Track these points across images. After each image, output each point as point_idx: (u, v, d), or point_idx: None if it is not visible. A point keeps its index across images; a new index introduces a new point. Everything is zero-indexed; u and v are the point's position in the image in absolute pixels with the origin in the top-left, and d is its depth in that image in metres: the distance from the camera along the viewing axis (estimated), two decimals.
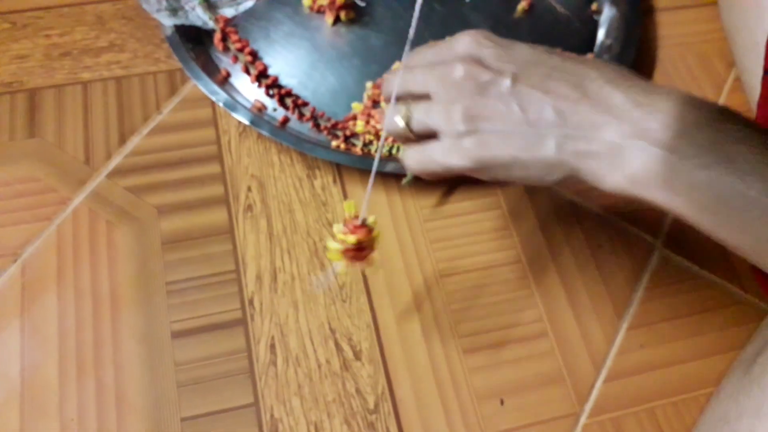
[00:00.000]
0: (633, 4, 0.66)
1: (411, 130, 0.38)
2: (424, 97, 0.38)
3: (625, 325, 0.52)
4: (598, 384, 0.49)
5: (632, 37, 0.63)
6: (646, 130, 0.31)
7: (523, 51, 0.37)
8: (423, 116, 0.38)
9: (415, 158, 0.39)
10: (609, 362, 0.50)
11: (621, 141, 0.32)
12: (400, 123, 0.39)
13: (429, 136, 0.38)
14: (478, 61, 0.36)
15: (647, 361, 0.51)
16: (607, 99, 0.33)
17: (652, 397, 0.49)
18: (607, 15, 0.64)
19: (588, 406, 0.49)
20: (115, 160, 0.56)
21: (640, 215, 0.56)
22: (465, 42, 0.37)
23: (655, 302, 0.53)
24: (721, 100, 0.63)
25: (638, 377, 0.50)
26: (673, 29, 0.68)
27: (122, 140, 0.57)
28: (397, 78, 0.39)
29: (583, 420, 0.48)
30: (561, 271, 0.53)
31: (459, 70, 0.36)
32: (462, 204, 0.56)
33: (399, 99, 0.39)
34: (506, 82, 0.35)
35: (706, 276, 0.54)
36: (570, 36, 0.64)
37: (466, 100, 0.36)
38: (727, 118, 0.31)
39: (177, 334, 0.49)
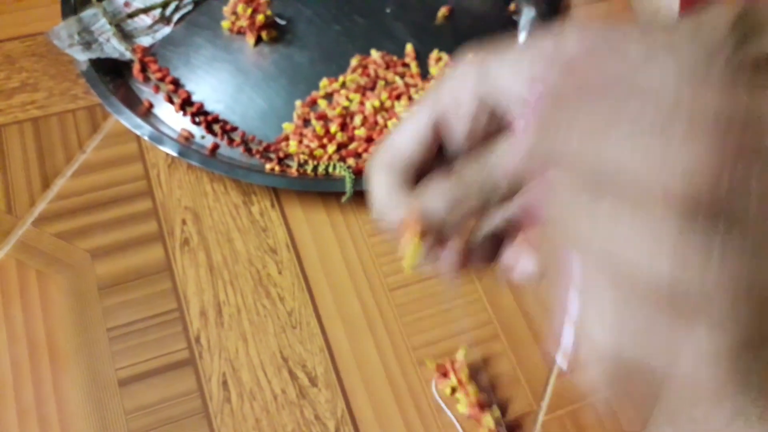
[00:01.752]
0: (550, 2, 0.67)
1: None
2: None
3: None
4: (552, 379, 0.50)
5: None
6: None
7: None
8: None
9: None
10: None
11: None
12: None
13: None
14: None
15: None
16: None
17: None
18: (526, 16, 0.65)
19: (544, 403, 0.49)
20: (40, 206, 0.54)
21: None
22: None
23: None
24: None
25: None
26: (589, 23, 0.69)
27: (46, 184, 0.55)
28: None
29: (541, 417, 0.49)
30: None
31: None
32: None
33: None
34: None
35: None
36: (491, 39, 0.65)
37: None
38: None
39: (124, 382, 0.48)
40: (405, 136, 0.27)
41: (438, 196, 0.25)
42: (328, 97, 0.59)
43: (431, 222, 0.25)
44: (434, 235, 0.25)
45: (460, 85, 0.27)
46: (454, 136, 0.27)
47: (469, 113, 0.27)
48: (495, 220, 0.27)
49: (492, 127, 0.27)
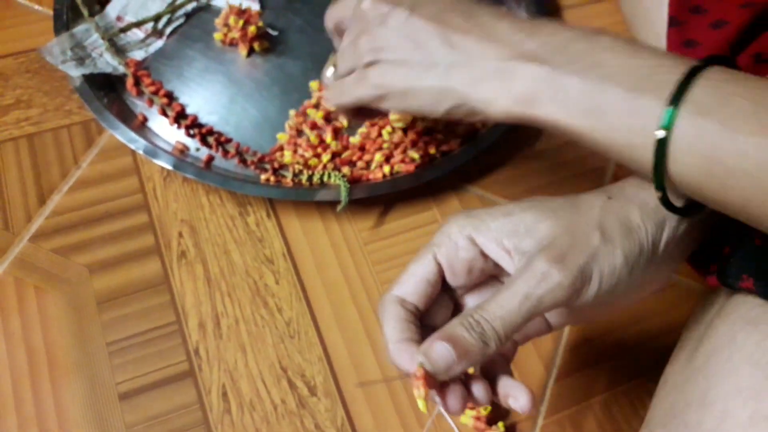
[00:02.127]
0: (539, 4, 0.67)
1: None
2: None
3: None
4: (551, 383, 0.51)
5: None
6: (525, 51, 0.33)
7: None
8: (340, 59, 0.42)
9: (330, 94, 0.43)
10: (558, 360, 0.51)
11: (504, 64, 0.34)
12: (328, 73, 0.46)
13: None
14: None
15: (594, 353, 0.52)
16: (493, 28, 0.35)
17: (604, 389, 0.51)
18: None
19: (543, 408, 0.50)
20: (37, 222, 0.54)
21: None
22: None
23: None
24: None
25: (588, 371, 0.51)
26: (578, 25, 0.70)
27: (42, 200, 0.55)
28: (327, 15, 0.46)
29: (540, 421, 0.49)
30: None
31: (366, 3, 0.40)
32: (399, 222, 0.56)
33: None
34: (403, 14, 0.38)
35: None
36: None
37: (369, 34, 0.39)
38: (601, 33, 0.33)
39: (124, 396, 0.48)
40: (410, 280, 0.33)
41: (441, 359, 0.29)
42: (318, 106, 0.60)
43: (436, 375, 0.29)
44: (439, 383, 0.30)
45: (456, 235, 0.33)
46: (454, 274, 0.33)
47: (465, 258, 0.33)
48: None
49: (489, 269, 0.34)
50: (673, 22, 0.47)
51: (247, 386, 0.48)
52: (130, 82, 0.59)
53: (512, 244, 0.32)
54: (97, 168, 0.57)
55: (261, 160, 0.57)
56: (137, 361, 0.49)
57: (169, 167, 0.53)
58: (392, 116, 0.58)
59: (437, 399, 0.30)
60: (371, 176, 0.57)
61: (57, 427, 0.46)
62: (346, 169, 0.56)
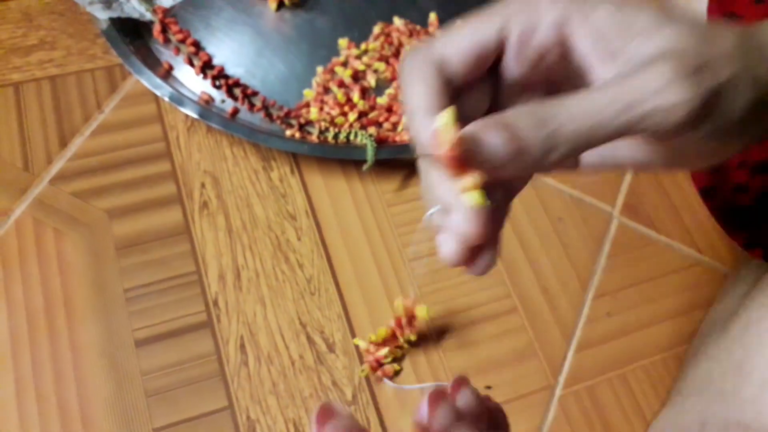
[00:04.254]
0: None
1: None
2: None
3: (590, 295, 0.53)
4: (570, 355, 0.50)
5: None
6: None
7: None
8: None
9: None
10: (578, 332, 0.51)
11: None
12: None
13: None
14: None
15: (614, 328, 0.52)
16: None
17: (623, 363, 0.50)
18: None
19: (562, 378, 0.49)
20: (57, 165, 0.53)
21: (596, 186, 0.57)
22: None
23: (617, 270, 0.54)
24: None
25: (607, 345, 0.51)
26: None
27: (63, 143, 0.54)
28: None
29: (558, 392, 0.49)
30: (524, 246, 0.54)
31: None
32: None
33: None
34: None
35: (664, 240, 0.55)
36: None
37: None
38: None
39: (141, 342, 0.47)
40: (463, 39, 0.23)
41: (491, 147, 0.21)
42: (346, 64, 0.59)
43: (488, 163, 0.21)
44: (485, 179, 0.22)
45: (544, 10, 0.23)
46: (518, 58, 0.24)
47: (543, 42, 0.24)
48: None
49: (559, 72, 0.25)
50: None
51: (266, 339, 0.48)
52: (157, 28, 0.58)
53: (620, 45, 0.23)
54: (120, 114, 0.56)
55: (287, 115, 0.56)
56: (155, 309, 0.49)
57: (195, 116, 0.53)
58: None
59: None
60: (397, 138, 0.56)
61: (72, 369, 0.46)
62: (372, 130, 0.55)
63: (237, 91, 0.56)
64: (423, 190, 0.24)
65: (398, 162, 0.56)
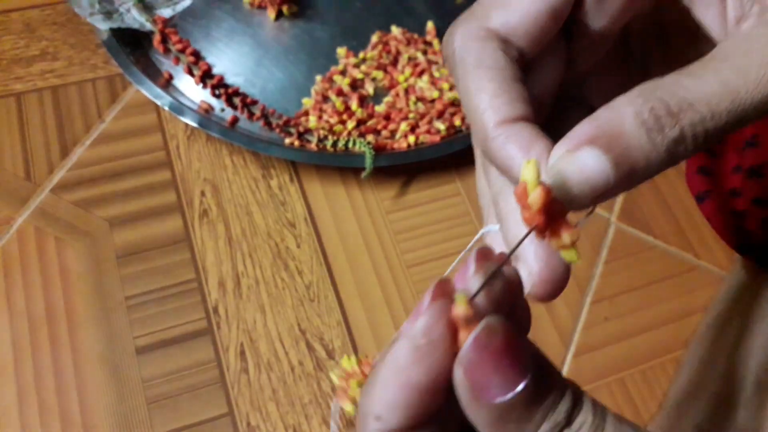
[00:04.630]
0: None
1: None
2: None
3: (588, 300, 0.53)
4: (568, 359, 0.50)
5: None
6: None
7: None
8: None
9: None
10: (576, 337, 0.51)
11: None
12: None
13: None
14: None
15: (612, 333, 0.52)
16: None
17: (621, 368, 0.50)
18: None
19: None
20: (59, 174, 0.54)
21: None
22: None
23: (615, 275, 0.54)
24: None
25: (605, 349, 0.51)
26: None
27: (65, 152, 0.55)
28: None
29: None
30: None
31: None
32: (422, 193, 0.56)
33: None
34: None
35: (661, 246, 0.56)
36: None
37: None
38: None
39: (141, 350, 0.48)
40: (522, 10, 0.18)
41: (587, 174, 0.16)
42: (345, 73, 0.59)
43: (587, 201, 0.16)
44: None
45: None
46: (597, 9, 0.18)
47: None
48: None
49: (651, 18, 0.19)
50: None
51: (265, 346, 0.48)
52: (157, 38, 0.58)
53: None
54: (120, 123, 0.57)
55: (286, 123, 0.56)
56: (155, 317, 0.49)
57: (195, 125, 0.53)
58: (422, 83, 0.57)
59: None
60: (395, 145, 0.56)
61: (73, 377, 0.46)
62: (370, 137, 0.56)
63: (236, 100, 0.57)
64: (480, 194, 0.19)
65: (396, 169, 0.56)
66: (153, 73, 0.57)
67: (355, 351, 0.49)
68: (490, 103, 0.17)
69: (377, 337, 0.49)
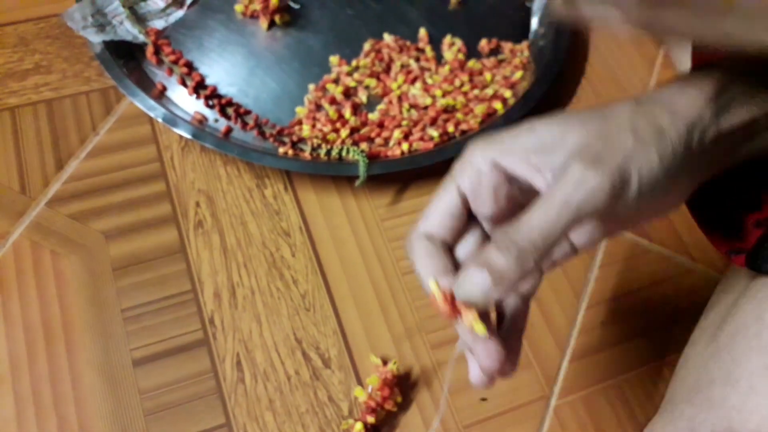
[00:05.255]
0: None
1: None
2: None
3: (584, 305, 0.53)
4: (564, 365, 0.50)
5: (565, 23, 0.64)
6: None
7: None
8: None
9: None
10: (572, 342, 0.51)
11: None
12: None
13: None
14: None
15: (608, 337, 0.52)
16: None
17: (617, 372, 0.50)
18: (539, 2, 0.65)
19: (557, 388, 0.49)
20: (54, 187, 0.54)
21: None
22: None
23: (611, 279, 0.54)
24: (653, 77, 0.65)
25: (602, 354, 0.51)
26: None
27: (59, 165, 0.55)
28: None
29: (553, 402, 0.49)
30: None
31: None
32: (416, 200, 0.56)
33: None
34: None
35: (657, 249, 0.56)
36: (504, 25, 0.65)
37: None
38: None
39: (138, 362, 0.48)
40: (438, 213, 0.31)
41: (476, 287, 0.27)
42: (338, 81, 0.59)
43: (480, 301, 0.27)
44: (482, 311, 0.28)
45: (479, 160, 0.30)
46: (480, 204, 0.30)
47: (491, 182, 0.30)
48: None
49: (514, 195, 0.31)
50: None
51: (262, 356, 0.48)
52: (150, 50, 0.59)
53: (540, 161, 0.29)
54: (115, 135, 0.57)
55: (280, 132, 0.56)
56: (152, 328, 0.49)
57: (188, 136, 0.53)
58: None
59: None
60: (389, 153, 0.56)
61: (71, 390, 0.47)
62: (364, 145, 0.56)
63: (230, 111, 0.57)
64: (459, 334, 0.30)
65: (390, 177, 0.56)
66: (146, 84, 0.57)
67: (352, 360, 0.49)
68: (424, 268, 0.30)
69: (373, 345, 0.50)
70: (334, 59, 0.60)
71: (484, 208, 0.31)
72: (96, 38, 0.57)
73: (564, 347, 0.51)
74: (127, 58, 0.59)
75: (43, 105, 0.58)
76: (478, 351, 0.28)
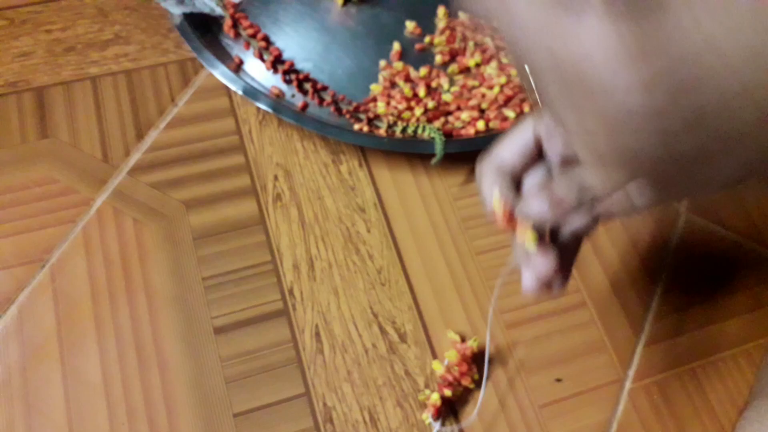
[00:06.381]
0: None
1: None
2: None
3: (659, 290, 0.53)
4: (639, 349, 0.50)
5: None
6: None
7: None
8: None
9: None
10: (647, 327, 0.51)
11: None
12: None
13: None
14: None
15: (683, 323, 0.52)
16: None
17: (692, 358, 0.50)
18: None
19: (631, 372, 0.50)
20: (135, 157, 0.55)
21: None
22: None
23: (686, 266, 0.54)
24: None
25: (676, 339, 0.51)
26: None
27: (139, 135, 0.56)
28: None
29: (628, 385, 0.49)
30: (593, 241, 0.54)
31: None
32: None
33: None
34: None
35: (732, 237, 0.55)
36: None
37: None
38: None
39: (219, 330, 0.49)
40: (511, 146, 0.33)
41: (540, 202, 0.30)
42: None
43: (536, 220, 0.31)
44: (537, 229, 0.32)
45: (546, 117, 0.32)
46: (554, 144, 0.33)
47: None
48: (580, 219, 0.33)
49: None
50: None
51: (340, 328, 0.49)
52: (228, 23, 0.59)
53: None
54: (193, 107, 0.58)
55: (356, 109, 0.56)
56: (232, 297, 0.50)
57: (269, 110, 0.54)
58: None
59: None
60: (463, 132, 0.56)
61: (155, 355, 0.48)
62: (438, 123, 0.56)
63: (307, 86, 0.57)
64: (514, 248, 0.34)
65: (463, 156, 0.56)
66: (224, 57, 0.58)
67: (427, 335, 0.49)
68: (489, 189, 0.33)
69: (449, 322, 0.50)
70: (410, 24, 0.60)
71: (557, 147, 0.33)
72: (175, 9, 0.58)
73: (639, 331, 0.51)
74: (203, 30, 0.59)
75: (123, 75, 0.59)
76: (533, 258, 0.32)
